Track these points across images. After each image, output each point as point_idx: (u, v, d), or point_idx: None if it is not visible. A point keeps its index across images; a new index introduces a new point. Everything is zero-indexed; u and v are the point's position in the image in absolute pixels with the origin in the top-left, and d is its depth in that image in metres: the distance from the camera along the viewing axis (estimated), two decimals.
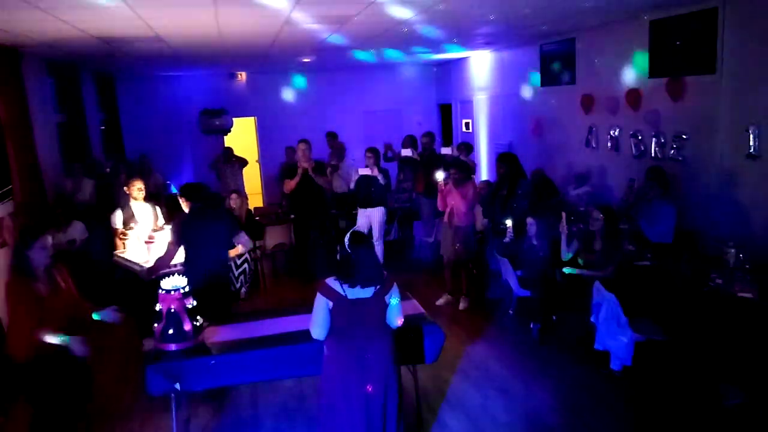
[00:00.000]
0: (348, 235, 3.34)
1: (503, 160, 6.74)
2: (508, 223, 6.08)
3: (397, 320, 3.36)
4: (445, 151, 8.52)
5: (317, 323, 3.26)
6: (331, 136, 10.13)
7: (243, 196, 8.15)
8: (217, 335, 4.01)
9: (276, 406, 4.59)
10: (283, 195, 8.38)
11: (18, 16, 4.59)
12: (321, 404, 3.40)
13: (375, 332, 3.28)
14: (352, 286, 3.21)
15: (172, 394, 3.76)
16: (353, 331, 3.24)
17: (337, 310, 3.22)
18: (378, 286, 3.26)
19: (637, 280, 5.03)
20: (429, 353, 4.04)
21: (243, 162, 10.29)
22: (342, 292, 3.21)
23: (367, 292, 3.23)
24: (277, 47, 7.52)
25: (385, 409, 3.30)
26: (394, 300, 3.32)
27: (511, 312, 6.14)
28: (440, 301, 6.61)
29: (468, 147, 8.66)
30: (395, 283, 3.36)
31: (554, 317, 5.72)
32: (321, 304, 3.24)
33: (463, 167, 6.56)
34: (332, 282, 3.25)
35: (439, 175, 6.39)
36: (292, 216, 7.87)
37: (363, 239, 3.31)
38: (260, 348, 3.81)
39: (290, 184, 7.37)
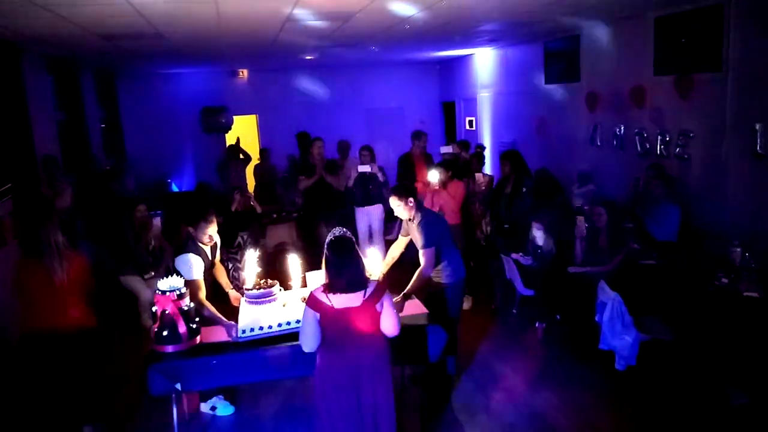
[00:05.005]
0: (329, 237, 3.22)
1: (506, 158, 6.68)
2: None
3: (392, 328, 3.20)
4: (445, 149, 8.45)
5: (306, 336, 3.18)
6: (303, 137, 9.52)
7: (247, 195, 8.07)
8: (216, 335, 3.98)
9: (276, 406, 4.55)
10: (297, 192, 8.31)
11: (16, 12, 4.55)
12: (315, 412, 3.30)
13: (366, 340, 3.16)
14: (336, 293, 3.11)
15: (173, 394, 3.74)
16: (344, 341, 3.14)
17: (326, 321, 3.13)
18: (366, 294, 3.13)
19: (642, 279, 5.00)
20: (432, 353, 4.00)
21: (247, 159, 10.03)
22: (328, 303, 3.11)
23: (356, 301, 3.11)
24: (279, 44, 7.47)
25: (375, 411, 3.20)
26: (387, 309, 3.18)
27: (514, 311, 6.10)
28: None
29: (466, 144, 8.61)
30: (387, 291, 3.22)
31: (558, 317, 5.68)
32: (309, 317, 3.15)
33: (449, 167, 6.38)
34: (318, 293, 3.15)
35: (432, 176, 6.11)
36: (295, 215, 7.80)
37: (344, 242, 3.17)
38: (260, 348, 3.77)
39: (305, 182, 7.38)
